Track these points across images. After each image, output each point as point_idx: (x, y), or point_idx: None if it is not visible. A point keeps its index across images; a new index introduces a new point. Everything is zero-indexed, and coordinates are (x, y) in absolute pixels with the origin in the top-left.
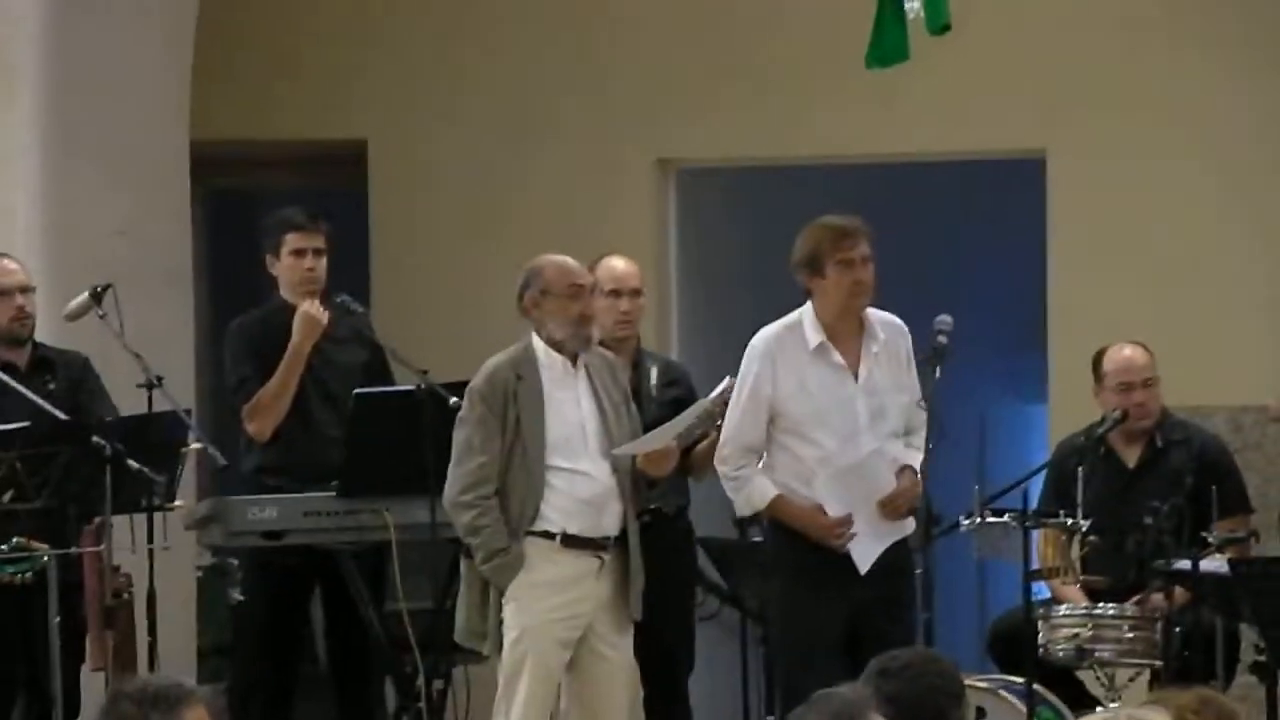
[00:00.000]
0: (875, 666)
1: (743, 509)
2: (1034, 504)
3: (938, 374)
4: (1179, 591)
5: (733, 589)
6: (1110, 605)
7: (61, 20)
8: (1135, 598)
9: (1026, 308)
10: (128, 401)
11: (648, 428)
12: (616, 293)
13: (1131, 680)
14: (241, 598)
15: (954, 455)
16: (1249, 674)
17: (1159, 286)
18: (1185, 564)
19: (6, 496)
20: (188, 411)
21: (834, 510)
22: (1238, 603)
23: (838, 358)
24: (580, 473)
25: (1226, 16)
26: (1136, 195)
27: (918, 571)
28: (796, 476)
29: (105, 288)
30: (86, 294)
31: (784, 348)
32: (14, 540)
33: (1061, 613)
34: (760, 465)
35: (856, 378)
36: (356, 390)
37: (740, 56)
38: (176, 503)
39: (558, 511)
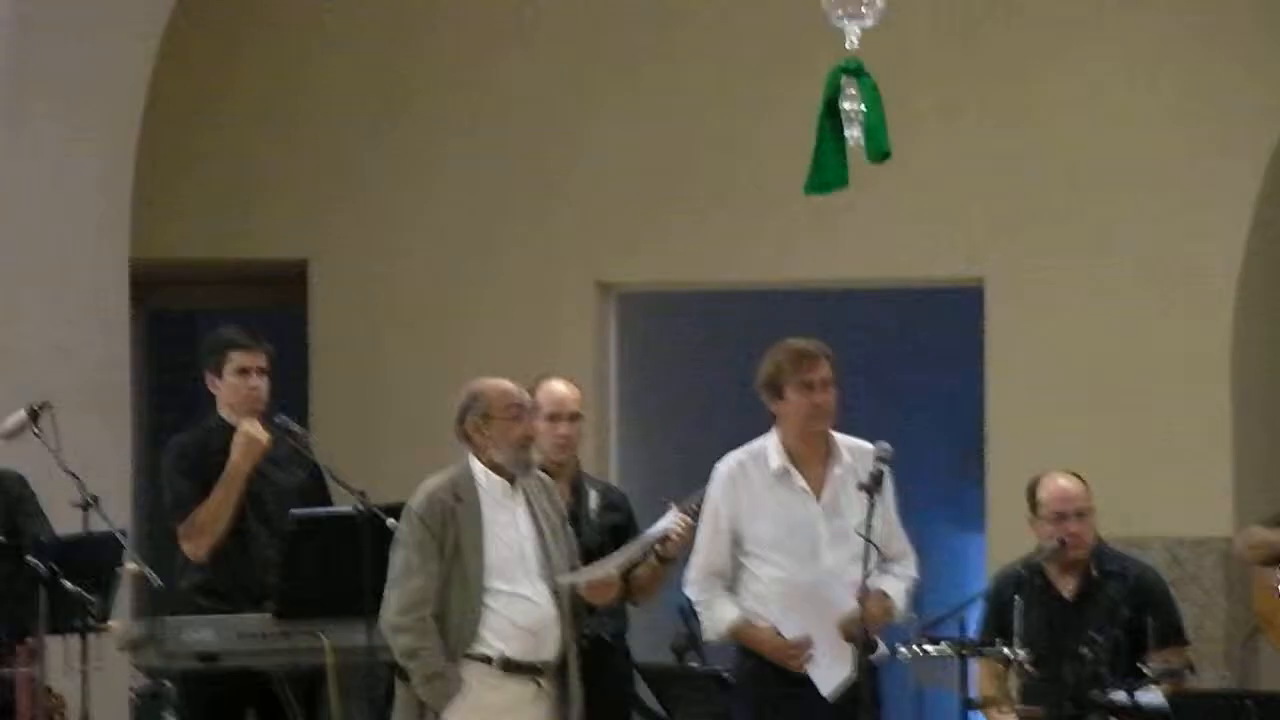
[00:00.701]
0: None
1: (708, 633)
2: (972, 633)
3: (875, 501)
4: None
5: (671, 715)
6: None
7: (2, 143)
8: None
9: (964, 436)
10: (64, 521)
11: (586, 552)
12: (556, 416)
13: None
14: None
15: None
16: None
17: (1096, 417)
18: (1122, 696)
19: None
20: (123, 532)
21: (789, 632)
22: None
23: (800, 481)
24: (519, 595)
25: (1164, 147)
26: (1074, 325)
27: None
28: (758, 599)
29: (42, 406)
30: (23, 413)
31: (746, 472)
32: None
33: None
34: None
35: (819, 500)
36: (294, 511)
37: (681, 182)
38: (111, 623)
39: (496, 635)
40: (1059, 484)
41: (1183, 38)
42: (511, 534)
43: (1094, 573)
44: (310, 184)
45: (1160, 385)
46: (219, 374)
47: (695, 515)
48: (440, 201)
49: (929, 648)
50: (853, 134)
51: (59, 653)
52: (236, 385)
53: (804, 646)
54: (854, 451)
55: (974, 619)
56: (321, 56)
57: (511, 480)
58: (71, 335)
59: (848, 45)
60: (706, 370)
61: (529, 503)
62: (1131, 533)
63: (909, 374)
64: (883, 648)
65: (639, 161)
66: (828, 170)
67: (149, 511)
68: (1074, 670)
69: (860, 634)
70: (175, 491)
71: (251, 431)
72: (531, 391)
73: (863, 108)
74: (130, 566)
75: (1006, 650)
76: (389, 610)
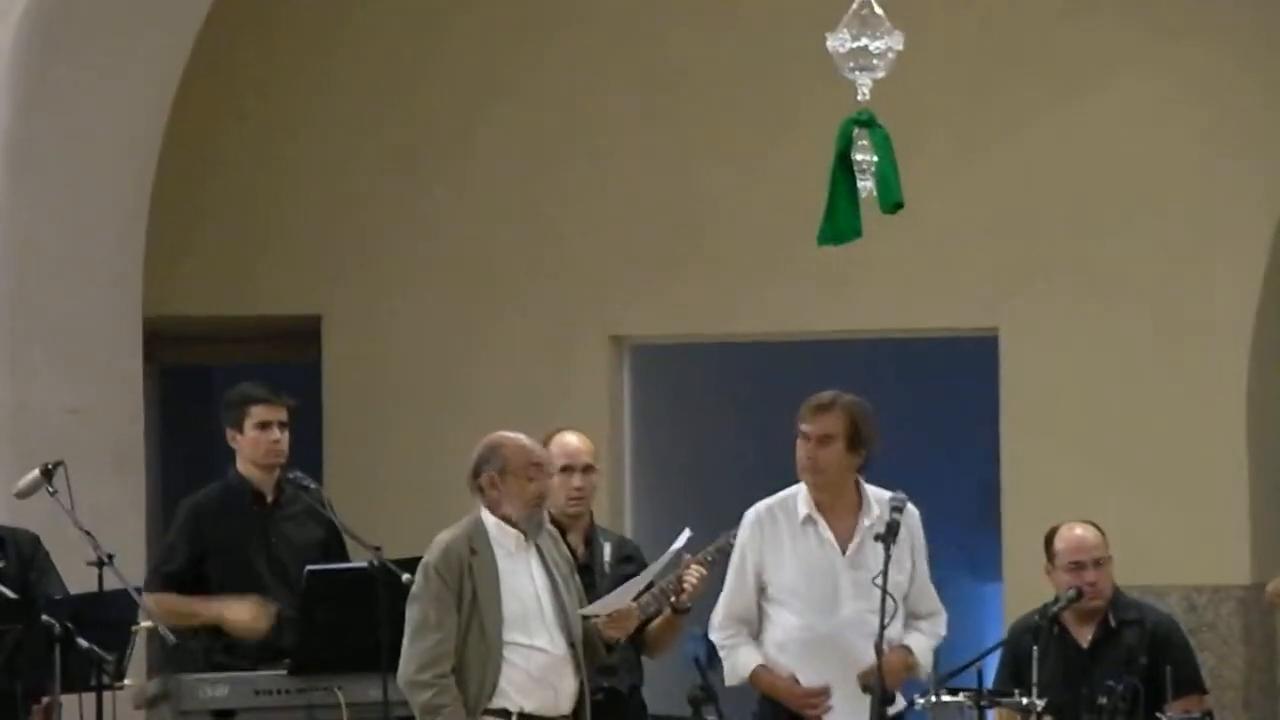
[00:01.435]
0: None
1: (729, 678)
2: (989, 683)
3: (890, 551)
4: None
5: None
6: None
7: (14, 201)
8: None
9: (980, 485)
10: (78, 579)
11: None
12: (569, 469)
13: None
14: None
15: None
16: None
17: (1112, 465)
18: None
19: None
20: (138, 589)
21: (807, 680)
22: None
23: (825, 531)
24: (537, 648)
25: (1178, 195)
26: (1089, 373)
27: None
28: (779, 647)
29: (56, 465)
30: (37, 471)
31: (774, 519)
32: None
33: None
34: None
35: (844, 552)
36: (309, 567)
37: (694, 235)
38: (126, 681)
39: (514, 688)
40: (1076, 533)
41: (1196, 89)
42: (526, 585)
43: (1111, 621)
44: (323, 239)
45: (1176, 434)
46: (240, 429)
47: (710, 565)
48: (453, 256)
49: (946, 698)
50: (865, 185)
51: (74, 711)
52: (257, 439)
53: (821, 695)
54: (884, 504)
55: (991, 668)
56: (331, 111)
57: (524, 533)
58: (85, 392)
59: (859, 97)
60: (720, 422)
61: (541, 554)
62: (1149, 581)
63: (924, 424)
64: (900, 701)
65: (652, 215)
66: (840, 221)
67: None
68: (1091, 719)
69: (877, 685)
70: (168, 547)
71: (255, 620)
72: (545, 444)
73: (875, 159)
74: (145, 624)
75: (1024, 700)
76: (408, 666)
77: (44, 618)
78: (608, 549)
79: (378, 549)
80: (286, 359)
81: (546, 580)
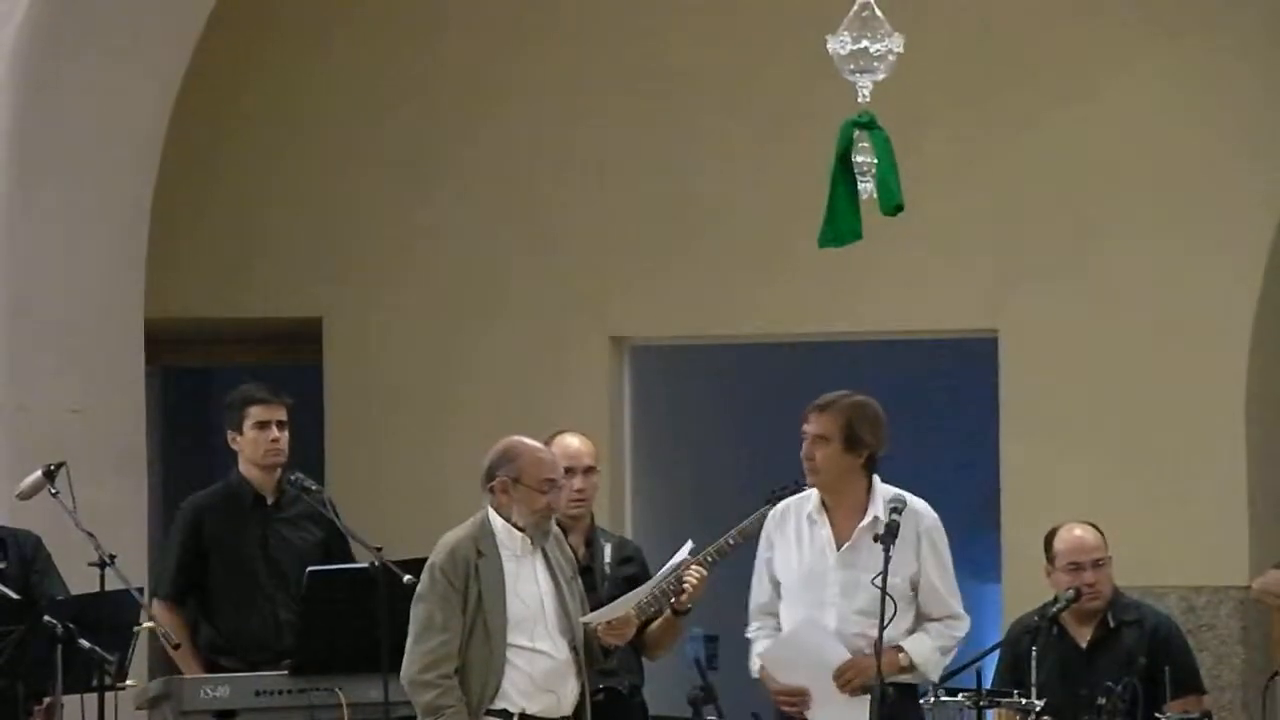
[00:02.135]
0: None
1: (754, 672)
2: (988, 683)
3: (890, 553)
4: None
5: None
6: None
7: (16, 203)
8: None
9: (979, 486)
10: (79, 580)
11: (602, 605)
12: (571, 470)
13: None
14: None
15: None
16: None
17: (1112, 466)
18: None
19: None
20: (140, 590)
21: (782, 677)
22: None
23: (824, 529)
24: (540, 651)
25: (1177, 198)
26: (1089, 374)
27: None
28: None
29: (58, 466)
30: (39, 472)
31: (787, 517)
32: None
33: None
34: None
35: (838, 549)
36: (310, 568)
37: (693, 235)
38: (128, 682)
39: (517, 690)
40: (1075, 534)
41: (1196, 89)
42: (531, 588)
43: (1110, 622)
44: (323, 241)
45: (1175, 434)
46: (240, 430)
47: (710, 566)
48: (453, 257)
49: (945, 698)
50: (866, 186)
51: (76, 712)
52: (256, 439)
53: (795, 694)
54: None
55: (990, 669)
56: (331, 111)
57: (531, 538)
58: (87, 394)
59: (860, 99)
60: (720, 423)
61: (545, 557)
62: (1148, 582)
63: (922, 425)
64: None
65: (652, 215)
66: (841, 224)
67: None
68: (1090, 719)
69: (876, 685)
70: (166, 559)
71: None
72: (545, 446)
73: (875, 161)
74: (146, 624)
75: (1023, 700)
76: (412, 666)
77: (46, 618)
78: (608, 550)
79: (379, 550)
80: (288, 361)
81: (551, 584)
